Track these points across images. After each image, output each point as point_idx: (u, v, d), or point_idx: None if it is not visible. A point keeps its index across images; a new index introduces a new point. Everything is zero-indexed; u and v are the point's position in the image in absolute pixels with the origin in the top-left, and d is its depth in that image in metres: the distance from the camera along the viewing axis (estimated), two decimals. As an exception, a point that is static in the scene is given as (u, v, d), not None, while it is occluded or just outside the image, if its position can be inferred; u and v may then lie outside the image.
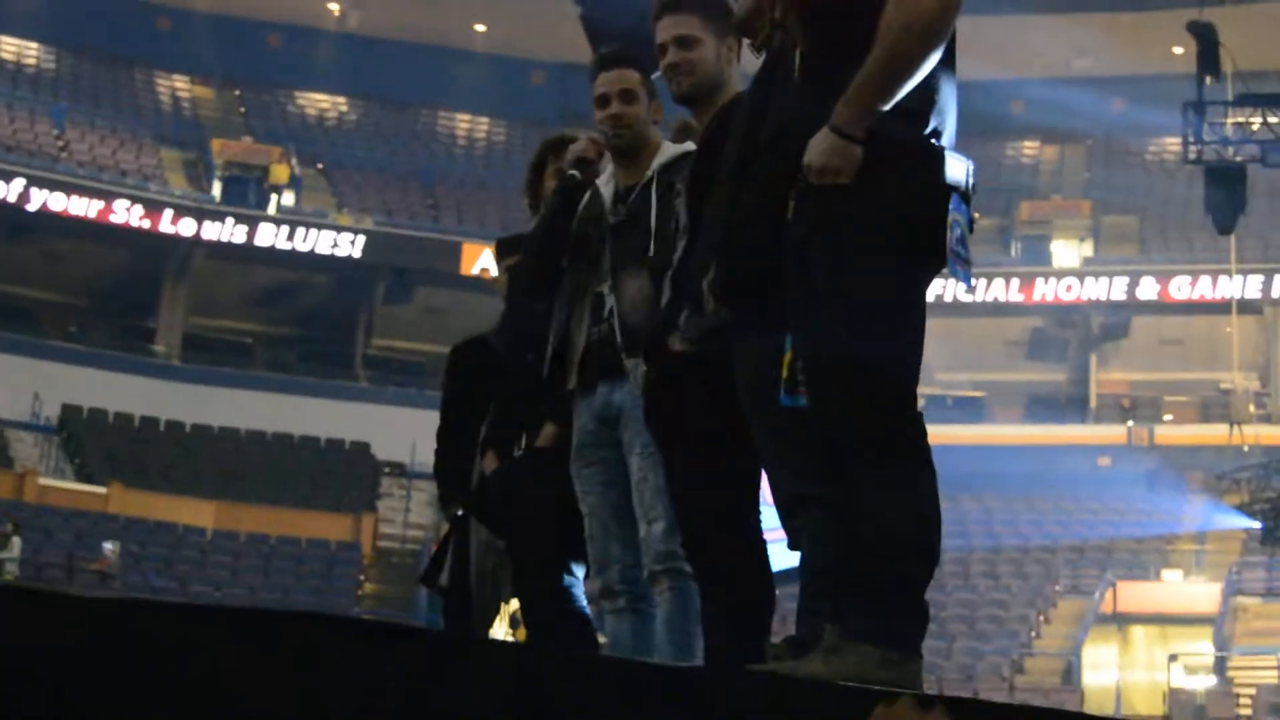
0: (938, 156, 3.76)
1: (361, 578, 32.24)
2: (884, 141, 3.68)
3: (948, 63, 3.79)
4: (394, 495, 34.38)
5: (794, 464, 4.18)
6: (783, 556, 4.58)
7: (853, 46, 3.69)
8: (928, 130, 3.77)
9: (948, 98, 3.81)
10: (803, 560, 4.25)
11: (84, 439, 34.13)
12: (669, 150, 5.39)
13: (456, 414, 7.16)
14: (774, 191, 3.97)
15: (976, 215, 3.85)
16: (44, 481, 31.96)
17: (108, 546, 28.39)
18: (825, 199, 3.72)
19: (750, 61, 4.82)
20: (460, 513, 7.03)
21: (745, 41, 4.72)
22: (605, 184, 5.51)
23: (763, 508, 4.74)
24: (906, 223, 3.72)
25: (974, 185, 3.82)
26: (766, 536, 4.77)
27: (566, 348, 5.45)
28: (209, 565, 30.61)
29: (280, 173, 40.24)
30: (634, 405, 5.14)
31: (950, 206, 3.73)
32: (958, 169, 3.77)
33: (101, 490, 31.87)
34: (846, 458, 3.75)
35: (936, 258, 3.76)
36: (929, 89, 3.74)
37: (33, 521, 29.17)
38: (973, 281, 3.86)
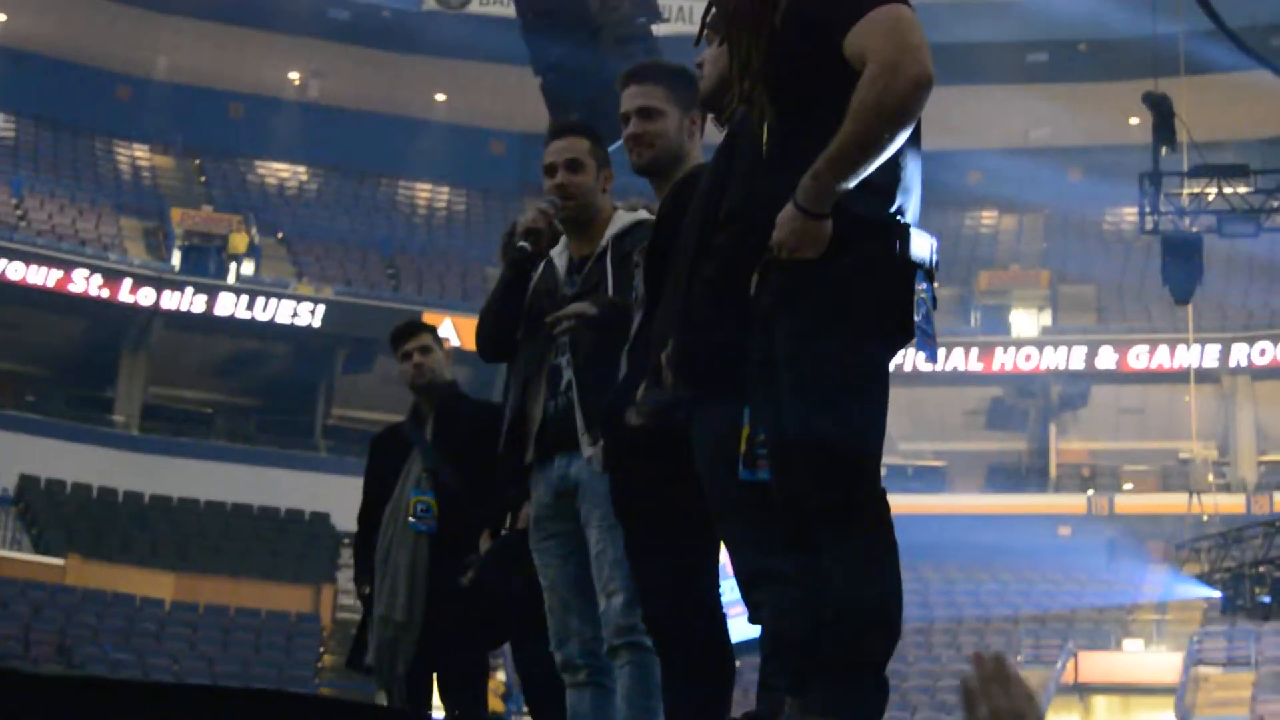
0: (903, 233, 3.76)
1: (321, 649, 32.02)
2: (850, 217, 3.68)
3: (913, 140, 3.79)
4: (353, 567, 34.06)
5: (754, 538, 4.17)
6: (743, 629, 4.55)
7: (821, 123, 3.69)
8: (893, 207, 3.76)
9: (913, 175, 3.81)
10: (763, 633, 4.22)
11: (41, 510, 33.86)
12: (622, 219, 5.37)
13: (373, 499, 7.56)
14: (735, 265, 3.98)
15: (936, 285, 3.85)
16: (0, 553, 31.70)
17: None
18: (791, 274, 3.73)
19: (712, 132, 4.82)
20: (368, 591, 7.35)
21: (709, 115, 4.72)
22: (559, 255, 5.49)
23: (723, 580, 4.72)
24: (872, 299, 3.73)
25: (937, 262, 3.82)
26: (727, 609, 4.75)
27: (523, 420, 5.41)
28: (167, 637, 30.35)
29: (240, 242, 40.18)
30: (591, 478, 5.13)
31: (916, 283, 3.74)
32: (922, 246, 3.78)
33: (59, 562, 31.61)
34: (809, 531, 3.74)
35: (902, 334, 3.77)
36: (895, 166, 3.74)
37: (-12, 593, 28.95)
38: (936, 355, 3.85)
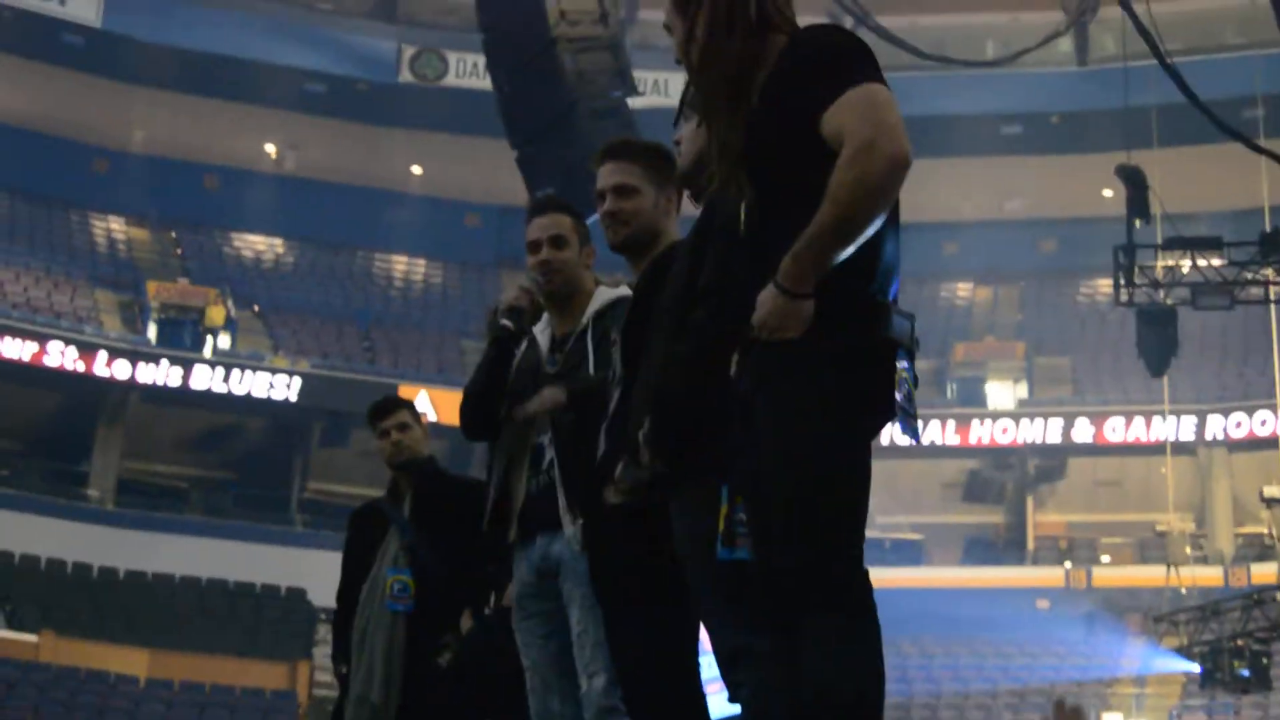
0: (884, 312, 3.75)
1: (296, 726, 31.86)
2: (830, 297, 3.67)
3: (892, 218, 3.77)
4: (330, 642, 33.84)
5: (734, 617, 4.14)
6: (723, 707, 4.52)
7: (800, 202, 3.67)
8: (873, 286, 3.76)
9: (892, 253, 3.80)
10: (743, 713, 4.19)
11: (15, 586, 33.65)
12: (603, 296, 5.38)
13: (351, 576, 7.53)
14: (710, 343, 3.98)
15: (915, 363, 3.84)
16: (-27, 630, 31.55)
17: None
18: (771, 353, 3.71)
19: (689, 206, 4.81)
20: (345, 670, 7.33)
21: (685, 191, 4.72)
22: (541, 332, 5.48)
23: (702, 657, 4.69)
24: (854, 378, 3.71)
25: (917, 340, 3.82)
26: (705, 686, 4.72)
27: (506, 499, 5.39)
28: (141, 715, 30.13)
29: (218, 314, 40.11)
30: (573, 557, 5.12)
31: (897, 362, 3.74)
32: (903, 325, 3.77)
33: (32, 638, 31.39)
34: (791, 611, 3.71)
35: (884, 413, 3.76)
36: (875, 244, 3.72)
37: (-39, 669, 28.76)
38: (919, 435, 3.83)
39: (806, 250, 3.62)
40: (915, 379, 3.79)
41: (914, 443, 3.87)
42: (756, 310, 3.70)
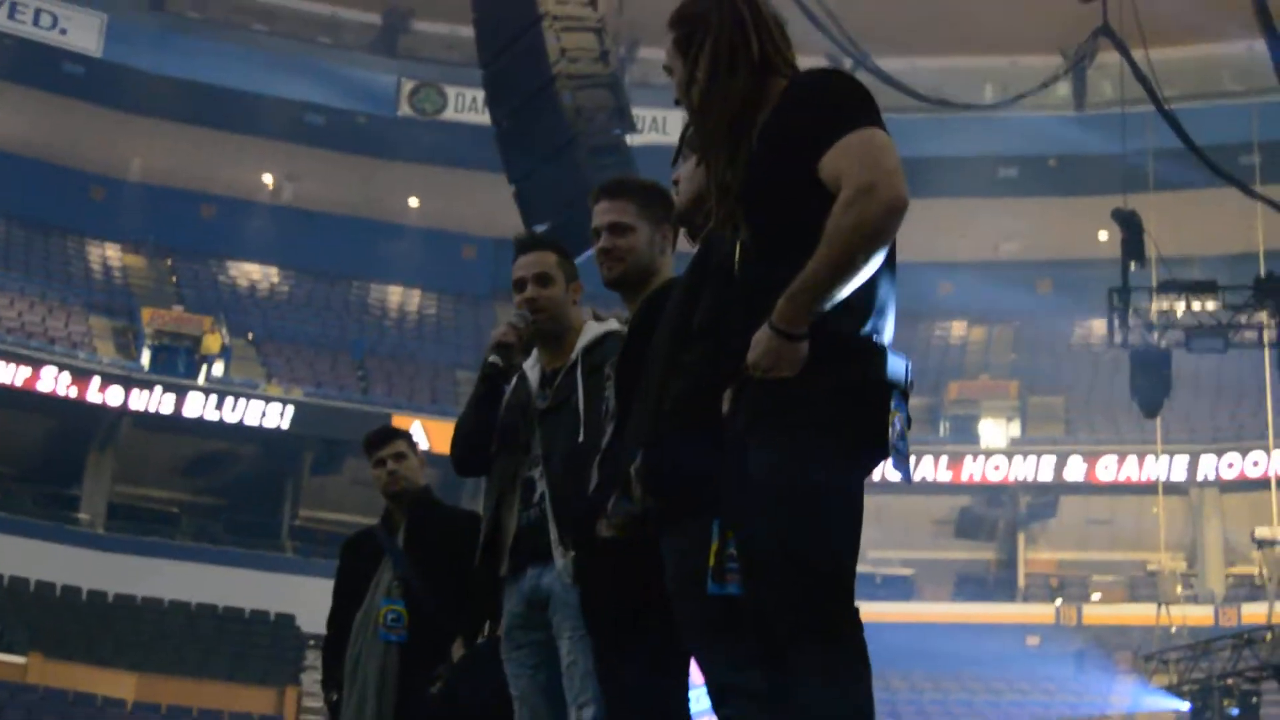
0: (878, 353, 3.78)
1: (285, 754, 31.79)
2: (825, 338, 3.70)
3: (888, 261, 3.80)
4: (318, 668, 33.64)
5: (724, 652, 4.14)
6: (711, 740, 4.54)
7: (795, 244, 3.71)
8: (867, 327, 3.79)
9: (887, 295, 3.84)
10: (733, 749, 4.19)
11: (4, 608, 33.59)
12: (592, 331, 5.41)
13: (343, 604, 7.52)
14: (704, 381, 4.00)
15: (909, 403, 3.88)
16: (-38, 652, 31.46)
17: None
18: (764, 392, 3.74)
19: (685, 244, 4.85)
20: (335, 698, 7.32)
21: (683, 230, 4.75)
22: (531, 368, 5.52)
23: (693, 690, 4.71)
24: (847, 419, 3.73)
25: (911, 381, 3.85)
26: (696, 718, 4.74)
27: (498, 533, 5.42)
28: (128, 739, 30.11)
29: (210, 342, 40.11)
30: (563, 589, 5.13)
31: (891, 404, 3.76)
32: (897, 366, 3.79)
33: (20, 660, 31.34)
34: (780, 647, 3.74)
35: (877, 454, 3.77)
36: (871, 286, 3.75)
37: (-51, 692, 28.69)
38: (911, 475, 3.87)
39: (802, 292, 3.64)
40: (909, 420, 3.81)
41: (905, 480, 3.88)
42: (750, 350, 3.72)
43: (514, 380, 5.56)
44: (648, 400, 4.35)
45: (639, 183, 5.24)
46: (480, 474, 5.66)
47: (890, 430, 3.74)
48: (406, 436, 7.63)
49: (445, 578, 6.96)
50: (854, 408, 3.73)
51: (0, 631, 32.94)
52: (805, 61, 4.05)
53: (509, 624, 5.40)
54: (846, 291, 3.68)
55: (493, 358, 5.55)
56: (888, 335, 3.84)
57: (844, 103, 3.81)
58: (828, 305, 3.67)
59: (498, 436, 5.49)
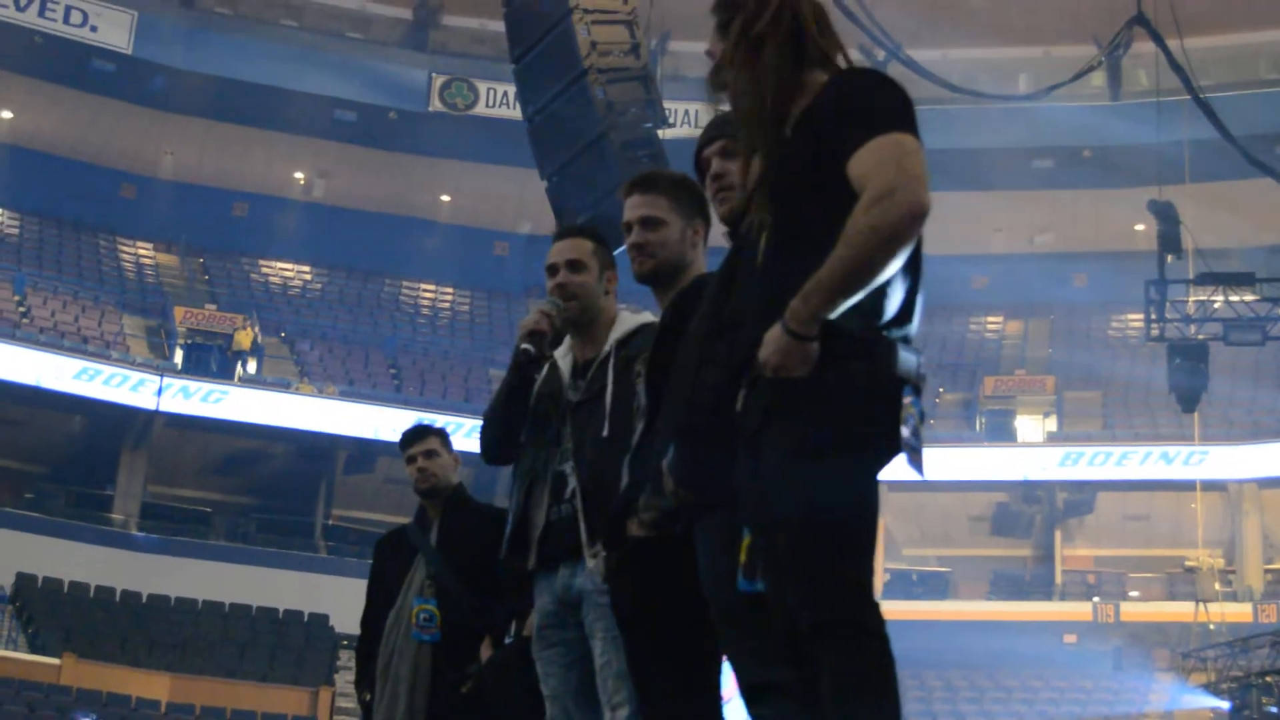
0: (889, 349, 3.74)
1: (318, 753, 31.77)
2: (837, 335, 3.67)
3: (913, 261, 3.77)
4: (352, 668, 33.65)
5: (756, 650, 4.09)
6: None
7: (818, 242, 3.67)
8: (880, 322, 3.74)
9: (906, 291, 3.79)
10: (767, 748, 4.13)
11: (38, 608, 33.66)
12: (626, 322, 5.34)
13: (376, 603, 7.53)
14: (733, 376, 3.94)
15: (941, 390, 3.80)
16: (-4, 652, 31.51)
17: None
18: (776, 390, 3.71)
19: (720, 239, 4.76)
20: (369, 698, 7.32)
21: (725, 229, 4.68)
22: (563, 356, 5.43)
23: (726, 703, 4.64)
24: (859, 416, 3.70)
25: (924, 375, 3.80)
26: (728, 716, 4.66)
27: (525, 526, 5.32)
28: (162, 739, 30.10)
29: (242, 338, 40.15)
30: (596, 589, 5.07)
31: (903, 398, 3.72)
32: (909, 360, 3.75)
33: (55, 661, 31.36)
34: (804, 644, 3.69)
35: (890, 449, 3.73)
36: (888, 286, 3.72)
37: (-17, 693, 28.72)
38: (923, 470, 3.78)
39: (816, 292, 3.62)
40: (922, 414, 3.78)
41: (920, 477, 3.82)
42: (762, 348, 3.70)
43: (545, 368, 5.46)
44: (680, 394, 4.32)
45: (670, 177, 5.21)
46: (509, 463, 5.59)
47: (903, 425, 3.72)
48: (440, 434, 7.61)
49: (478, 576, 6.94)
50: (865, 404, 3.71)
51: (34, 632, 33.01)
52: (836, 55, 3.98)
53: (540, 621, 5.35)
54: (862, 294, 3.65)
55: (525, 345, 5.45)
56: (909, 333, 3.81)
57: (880, 105, 3.80)
58: (841, 307, 3.65)
59: (528, 426, 5.43)
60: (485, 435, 5.64)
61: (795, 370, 3.65)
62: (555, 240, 5.52)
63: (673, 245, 4.98)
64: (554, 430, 5.33)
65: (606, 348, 5.29)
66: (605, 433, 5.07)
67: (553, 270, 5.43)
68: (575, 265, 5.40)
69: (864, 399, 3.70)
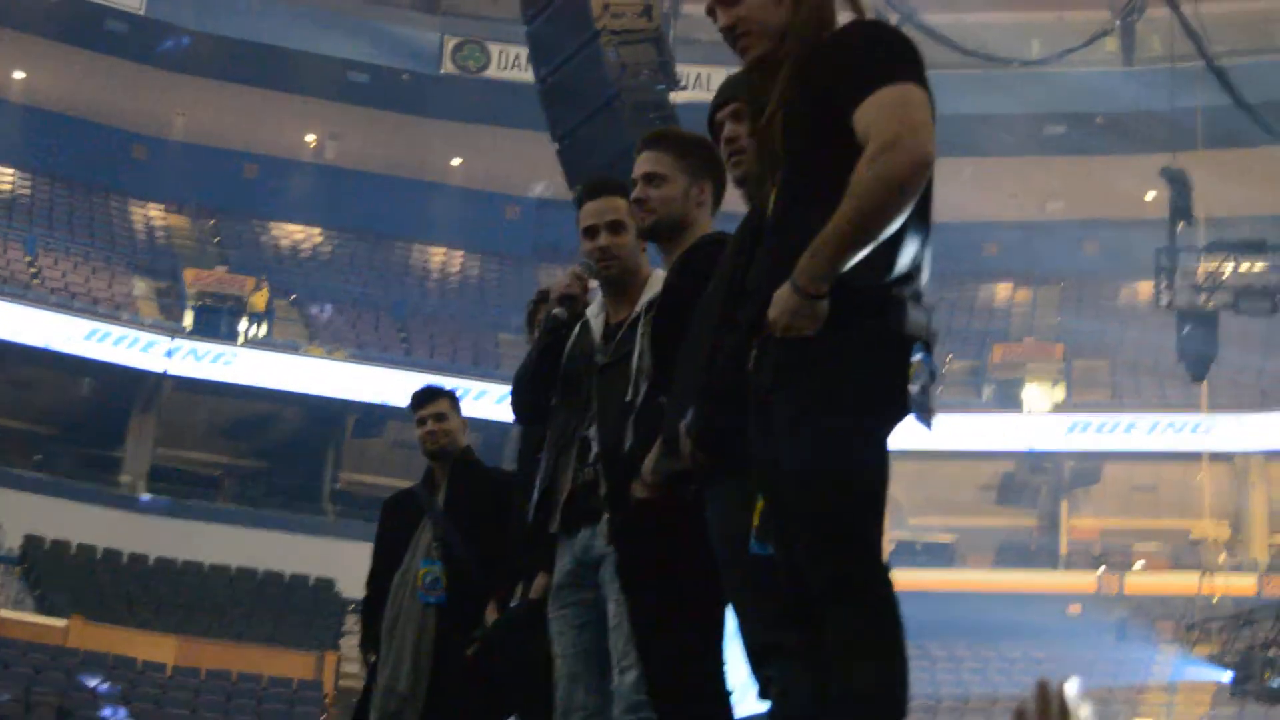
0: (899, 306, 3.72)
1: (323, 717, 31.78)
2: (846, 292, 3.65)
3: (920, 214, 3.75)
4: (358, 633, 33.62)
5: (765, 612, 4.09)
6: (751, 704, 4.45)
7: (823, 195, 3.66)
8: (889, 279, 3.73)
9: (917, 249, 3.78)
10: (771, 709, 4.15)
11: (45, 570, 33.70)
12: (658, 283, 5.27)
13: (382, 564, 7.55)
14: (746, 335, 3.93)
15: (949, 357, 3.80)
16: (3, 613, 31.52)
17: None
18: (786, 350, 3.70)
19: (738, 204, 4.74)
20: (374, 659, 7.35)
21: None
22: (595, 317, 5.40)
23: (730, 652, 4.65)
24: (868, 373, 3.70)
25: (935, 332, 3.80)
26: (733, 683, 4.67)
27: (553, 489, 5.32)
28: (168, 702, 30.09)
29: (258, 300, 40.08)
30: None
31: (913, 356, 3.71)
32: (918, 317, 3.74)
33: (61, 623, 31.39)
34: (813, 606, 3.69)
35: (899, 407, 3.73)
36: (893, 239, 3.70)
37: (-10, 653, 28.79)
38: (932, 426, 3.79)
39: (824, 246, 3.62)
40: (933, 372, 3.77)
41: (928, 432, 3.82)
42: (771, 307, 3.70)
43: (577, 329, 5.44)
44: (697, 356, 4.32)
45: (680, 134, 5.25)
46: (540, 423, 5.58)
47: (912, 384, 3.72)
48: (450, 396, 7.62)
49: (484, 539, 6.94)
50: (874, 362, 3.72)
51: (41, 594, 33.08)
52: (848, 15, 4.00)
53: (559, 582, 5.34)
54: (869, 247, 3.64)
55: (557, 310, 5.44)
56: (916, 289, 3.80)
57: (885, 55, 3.79)
58: (850, 262, 3.64)
59: (559, 387, 5.43)
60: (516, 396, 5.70)
61: (805, 329, 3.64)
62: (588, 198, 5.44)
63: (674, 202, 4.98)
64: (585, 392, 5.31)
65: (637, 309, 5.24)
66: (629, 397, 5.03)
67: (591, 232, 5.36)
68: (616, 226, 5.33)
69: (872, 357, 3.69)
